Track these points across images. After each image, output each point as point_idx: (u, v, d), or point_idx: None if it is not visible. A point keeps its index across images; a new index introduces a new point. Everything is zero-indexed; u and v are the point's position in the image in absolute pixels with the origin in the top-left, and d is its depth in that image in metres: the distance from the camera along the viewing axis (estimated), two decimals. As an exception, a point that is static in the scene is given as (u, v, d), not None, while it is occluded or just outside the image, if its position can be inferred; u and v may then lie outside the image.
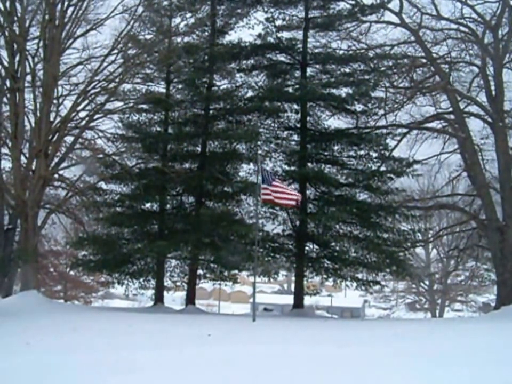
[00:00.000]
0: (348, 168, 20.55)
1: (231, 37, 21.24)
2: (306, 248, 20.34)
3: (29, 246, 17.61)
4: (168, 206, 21.15)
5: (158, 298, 20.75)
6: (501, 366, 6.97)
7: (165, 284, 21.40)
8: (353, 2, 20.47)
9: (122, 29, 18.60)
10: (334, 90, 20.37)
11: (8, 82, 18.45)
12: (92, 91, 18.63)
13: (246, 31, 20.67)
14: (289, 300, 26.26)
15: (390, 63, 20.94)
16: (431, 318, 36.12)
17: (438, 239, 29.75)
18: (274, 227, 20.39)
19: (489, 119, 19.77)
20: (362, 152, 20.32)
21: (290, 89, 20.61)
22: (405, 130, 21.49)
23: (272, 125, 21.22)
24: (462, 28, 20.56)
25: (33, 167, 18.06)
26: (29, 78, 18.61)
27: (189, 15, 20.81)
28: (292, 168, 20.49)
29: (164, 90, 20.86)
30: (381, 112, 21.19)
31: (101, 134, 20.01)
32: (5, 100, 19.03)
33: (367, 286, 20.72)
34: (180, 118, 21.25)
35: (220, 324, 13.91)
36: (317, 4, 20.65)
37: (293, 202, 13.90)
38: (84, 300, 36.86)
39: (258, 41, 20.53)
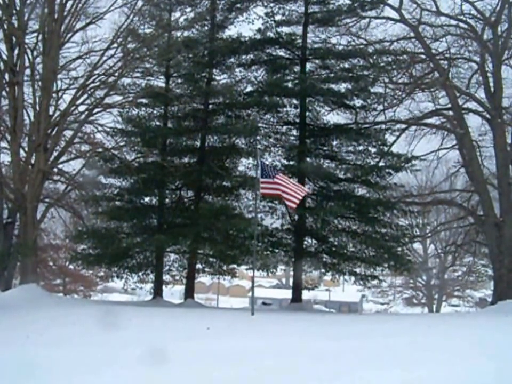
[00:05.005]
0: (346, 163, 20.61)
1: (231, 31, 21.24)
2: (305, 242, 20.42)
3: (28, 239, 17.63)
4: (167, 200, 21.18)
5: (157, 292, 20.80)
6: (497, 360, 7.05)
7: (164, 277, 21.47)
8: (352, -3, 20.44)
9: (122, 23, 18.55)
10: (333, 86, 20.39)
11: (7, 76, 18.39)
12: (91, 85, 18.60)
13: (246, 25, 20.67)
14: (287, 294, 26.43)
15: (389, 59, 20.94)
16: (428, 312, 36.28)
17: (435, 234, 29.94)
18: (273, 221, 20.46)
19: (488, 116, 19.82)
20: (361, 148, 20.39)
21: (289, 84, 20.60)
22: (403, 126, 21.52)
23: (272, 119, 21.24)
24: (461, 24, 20.56)
25: (33, 161, 18.05)
26: (28, 71, 18.56)
27: (188, 9, 20.80)
28: (291, 162, 20.53)
29: (164, 85, 20.83)
30: (380, 107, 21.24)
31: (100, 128, 20.06)
32: (4, 93, 18.95)
33: (365, 281, 20.82)
34: (179, 112, 21.24)
35: (218, 318, 14.00)
36: (317, -1, 20.62)
37: (293, 204, 13.61)
38: (83, 294, 36.93)
39: (258, 36, 20.52)
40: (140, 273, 20.71)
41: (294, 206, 13.66)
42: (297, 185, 14.00)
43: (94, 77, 18.46)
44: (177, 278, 22.06)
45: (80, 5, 18.40)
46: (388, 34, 21.19)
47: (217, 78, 21.38)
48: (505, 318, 13.87)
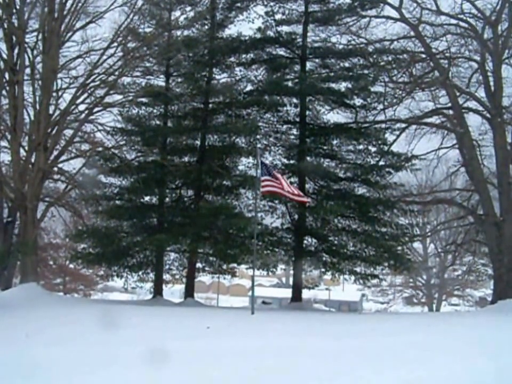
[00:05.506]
0: (346, 162, 20.63)
1: (231, 30, 21.23)
2: (305, 241, 20.43)
3: (28, 238, 17.64)
4: (167, 199, 21.15)
5: (157, 291, 20.81)
6: (497, 360, 7.05)
7: (164, 277, 21.48)
8: (353, -4, 20.41)
9: (122, 22, 18.58)
10: (333, 85, 20.40)
11: (7, 75, 18.39)
12: (91, 84, 18.61)
13: (246, 25, 20.67)
14: (287, 293, 26.41)
15: (390, 58, 20.97)
16: (428, 312, 36.31)
17: (435, 233, 29.96)
18: (273, 220, 20.47)
19: (488, 115, 19.83)
20: (361, 147, 20.41)
21: (289, 83, 20.62)
22: (403, 125, 21.53)
23: (272, 118, 21.24)
24: (461, 23, 20.56)
25: (33, 160, 18.05)
26: (28, 70, 18.57)
27: (188, 8, 20.76)
28: (291, 162, 20.55)
29: (164, 84, 20.83)
30: (380, 106, 21.24)
31: (100, 127, 20.08)
32: (4, 92, 18.95)
33: (365, 280, 20.81)
34: (179, 111, 21.24)
35: (218, 317, 14.01)
36: (317, -3, 20.61)
37: (297, 197, 13.79)
38: (83, 293, 36.95)
39: (258, 35, 20.52)
40: (140, 272, 20.70)
41: (305, 199, 13.87)
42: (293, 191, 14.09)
43: (94, 76, 18.47)
44: (177, 277, 22.06)
45: (80, 4, 18.41)
46: (388, 34, 21.25)
47: (217, 77, 21.40)
48: (505, 317, 13.89)
